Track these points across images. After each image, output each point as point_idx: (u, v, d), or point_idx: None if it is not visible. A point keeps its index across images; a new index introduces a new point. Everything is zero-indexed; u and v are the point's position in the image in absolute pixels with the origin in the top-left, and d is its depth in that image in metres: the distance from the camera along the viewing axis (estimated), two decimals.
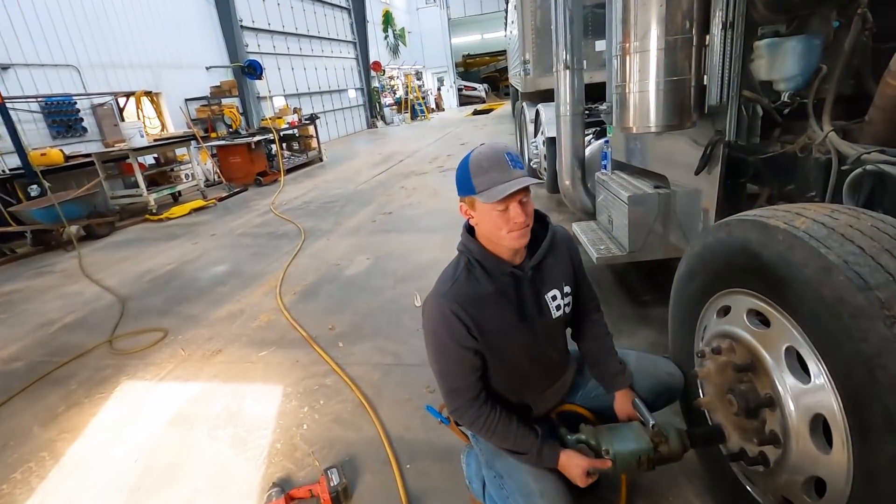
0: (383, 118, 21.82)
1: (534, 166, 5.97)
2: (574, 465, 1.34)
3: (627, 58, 2.22)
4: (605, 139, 3.66)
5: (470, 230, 1.42)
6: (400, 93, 23.94)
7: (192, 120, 10.60)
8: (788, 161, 2.06)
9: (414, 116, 22.78)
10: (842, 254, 1.03)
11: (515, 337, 1.41)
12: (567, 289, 1.49)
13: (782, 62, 1.91)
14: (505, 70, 22.93)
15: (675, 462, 1.40)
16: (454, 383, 1.38)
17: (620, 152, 3.38)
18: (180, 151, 9.11)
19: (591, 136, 4.40)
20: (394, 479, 1.94)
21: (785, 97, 1.96)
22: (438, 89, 28.46)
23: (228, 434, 2.38)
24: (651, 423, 1.35)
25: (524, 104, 6.75)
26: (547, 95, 5.13)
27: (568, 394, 1.63)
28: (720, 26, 1.93)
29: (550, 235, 1.45)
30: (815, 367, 1.10)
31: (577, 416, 1.65)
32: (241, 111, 11.92)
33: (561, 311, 1.47)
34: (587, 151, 3.97)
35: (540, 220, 1.48)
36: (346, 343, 3.12)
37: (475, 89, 29.31)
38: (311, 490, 1.87)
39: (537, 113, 5.68)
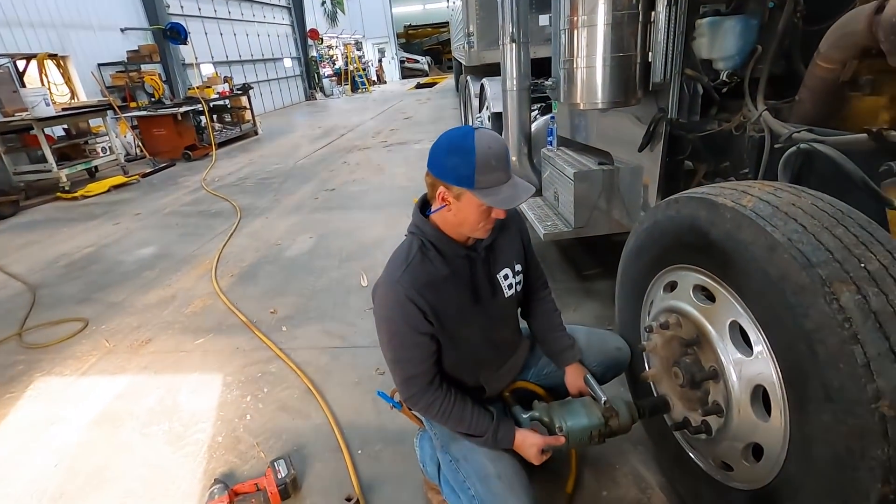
0: (322, 90, 20.92)
1: None
2: (529, 444, 1.34)
3: (575, 32, 2.20)
4: (551, 115, 3.67)
5: (423, 210, 1.36)
6: (339, 63, 22.99)
7: (108, 88, 9.63)
8: (724, 139, 2.13)
9: (355, 89, 22.01)
10: (786, 232, 1.06)
11: (471, 319, 1.37)
12: (518, 267, 1.47)
13: (722, 41, 1.95)
14: (448, 42, 22.54)
15: (624, 434, 1.44)
16: (410, 371, 1.33)
17: (566, 128, 3.40)
18: (95, 122, 8.27)
19: (536, 111, 4.40)
20: (345, 466, 1.89)
21: (723, 76, 2.01)
22: (380, 61, 27.58)
23: (163, 430, 2.22)
24: (603, 398, 1.38)
25: (468, 78, 6.65)
26: (492, 69, 5.06)
27: (520, 372, 1.63)
28: (665, 3, 1.94)
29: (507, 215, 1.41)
30: (757, 341, 1.14)
31: (530, 394, 1.66)
32: (164, 79, 10.98)
33: (513, 290, 1.46)
34: (533, 127, 3.97)
35: None
36: (289, 327, 2.99)
37: (418, 62, 28.65)
38: (256, 484, 1.78)
39: (482, 87, 5.61)
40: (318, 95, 20.49)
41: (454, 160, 1.21)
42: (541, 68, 3.80)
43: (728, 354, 1.21)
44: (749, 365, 1.16)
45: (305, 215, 5.19)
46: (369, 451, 1.97)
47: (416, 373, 1.33)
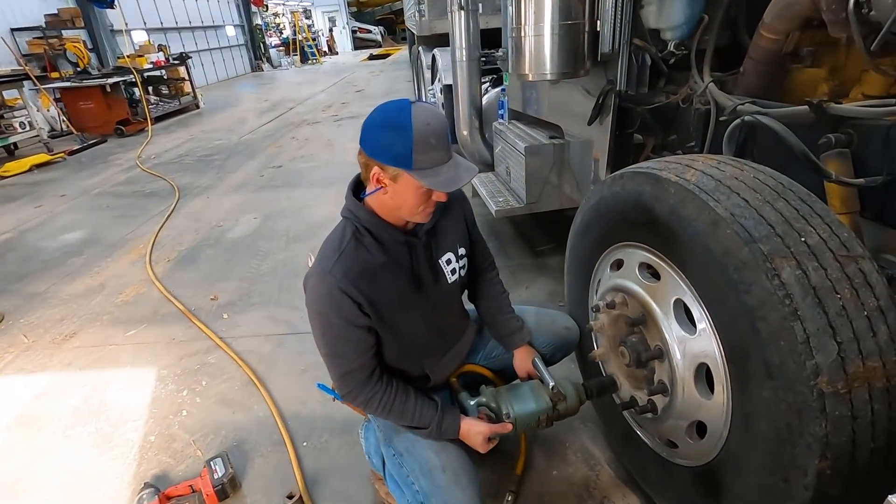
0: (269, 61, 19.91)
1: None
2: (475, 433, 1.29)
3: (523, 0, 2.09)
4: (502, 87, 3.57)
5: (356, 192, 1.25)
6: (287, 33, 21.88)
7: (24, 55, 8.75)
8: (672, 111, 2.10)
9: (304, 60, 21.06)
10: (729, 207, 1.02)
11: (411, 308, 1.29)
12: (462, 251, 1.40)
13: (669, 9, 1.89)
14: (401, 12, 21.82)
15: (573, 416, 1.42)
16: (347, 366, 1.25)
17: (517, 101, 3.31)
18: (10, 94, 7.51)
19: (487, 83, 4.29)
20: (289, 460, 1.79)
21: (671, 46, 1.97)
22: (330, 30, 26.46)
23: (89, 431, 2.05)
24: (550, 383, 1.34)
25: (420, 49, 6.43)
26: (443, 40, 4.88)
27: (468, 356, 1.58)
28: None
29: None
30: (700, 318, 1.11)
31: (479, 377, 1.61)
32: (89, 47, 10.08)
33: (457, 275, 1.38)
34: (484, 100, 3.86)
35: None
36: (231, 314, 2.83)
37: (370, 32, 27.67)
38: (191, 485, 1.67)
39: (434, 58, 5.43)
40: (265, 67, 19.49)
41: (389, 137, 1.10)
42: (493, 39, 3.68)
43: (672, 333, 1.19)
44: (693, 343, 1.14)
45: (250, 194, 4.92)
46: (315, 442, 1.88)
47: (353, 367, 1.24)
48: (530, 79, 2.20)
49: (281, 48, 20.92)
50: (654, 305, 1.24)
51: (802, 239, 0.95)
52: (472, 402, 1.39)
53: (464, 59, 3.32)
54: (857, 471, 0.90)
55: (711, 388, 1.13)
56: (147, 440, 1.97)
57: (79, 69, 8.84)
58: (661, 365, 1.23)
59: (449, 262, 1.36)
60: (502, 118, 3.53)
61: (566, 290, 1.81)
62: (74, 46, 8.95)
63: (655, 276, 1.27)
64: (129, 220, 4.46)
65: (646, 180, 1.23)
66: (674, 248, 1.15)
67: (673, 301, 1.19)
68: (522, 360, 1.52)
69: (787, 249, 0.94)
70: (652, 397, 1.27)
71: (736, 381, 1.04)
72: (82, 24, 10.23)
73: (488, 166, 3.74)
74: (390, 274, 1.24)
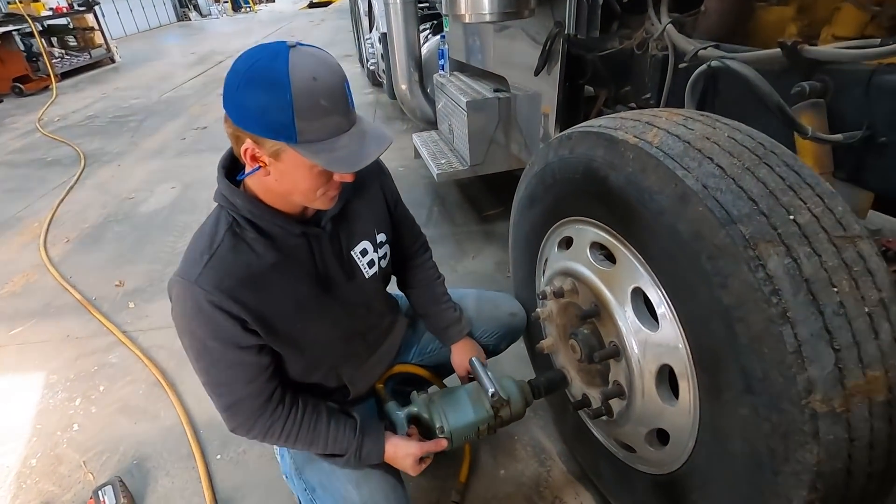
0: (198, 9, 18.10)
1: (371, 68, 5.33)
2: (403, 455, 1.08)
3: None
4: (442, 34, 3.21)
5: (231, 174, 0.95)
6: None
7: None
8: (626, 59, 1.86)
9: (237, 8, 19.31)
10: (701, 176, 0.80)
11: (318, 315, 1.03)
12: (381, 237, 1.13)
13: None
14: None
15: (518, 420, 1.23)
16: (231, 397, 0.98)
17: (459, 51, 2.98)
18: None
19: (427, 30, 3.90)
20: (198, 477, 1.54)
21: None
22: None
23: None
24: (490, 390, 1.13)
25: None
26: None
27: (398, 354, 1.34)
28: None
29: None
30: (664, 313, 0.92)
31: (413, 377, 1.40)
32: None
33: (376, 268, 1.12)
34: (424, 50, 3.49)
35: None
36: (139, 302, 2.47)
37: None
38: None
39: (370, 4, 4.93)
40: (193, 15, 17.72)
41: (259, 98, 0.78)
42: None
43: (629, 327, 0.99)
44: (654, 340, 0.95)
45: (169, 160, 4.39)
46: (230, 455, 1.63)
47: (241, 396, 0.98)
48: (467, 20, 1.89)
49: None
50: (608, 294, 1.04)
51: (791, 217, 0.75)
52: (401, 414, 1.17)
53: (398, 0, 2.93)
54: (849, 499, 0.74)
55: (677, 393, 0.95)
56: (27, 465, 1.66)
57: None
58: (618, 364, 1.04)
59: (365, 252, 1.09)
60: (443, 69, 3.19)
61: (511, 268, 1.59)
62: None
63: (610, 258, 1.06)
64: (24, 193, 3.88)
65: (598, 142, 0.99)
66: (632, 227, 0.94)
67: (631, 290, 0.99)
68: (461, 356, 1.31)
69: (774, 232, 0.74)
70: (606, 400, 1.08)
71: (706, 391, 0.86)
72: None
73: (431, 124, 3.43)
74: (285, 277, 0.96)
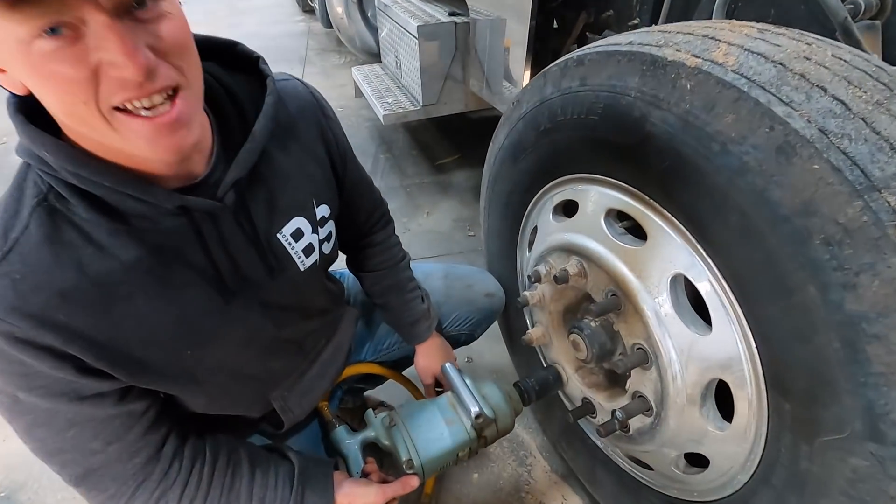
0: None
1: None
2: None
3: None
4: None
5: (26, 106, 0.53)
6: None
7: None
8: None
9: None
10: (813, 115, 0.52)
11: (219, 335, 0.68)
12: (324, 209, 0.77)
13: None
14: None
15: (506, 435, 0.97)
16: (85, 463, 0.63)
17: None
18: None
19: None
20: None
21: None
22: None
23: None
24: (474, 410, 0.85)
25: None
26: None
27: (347, 358, 1.03)
28: None
29: (272, 106, 0.66)
30: (722, 312, 0.66)
31: (368, 377, 1.11)
32: None
33: (315, 255, 0.77)
34: None
35: (231, 63, 0.68)
36: None
37: None
38: None
39: None
40: None
41: None
42: None
43: (666, 328, 0.73)
44: (703, 349, 0.70)
45: None
46: None
47: (101, 462, 0.64)
48: None
49: None
50: (633, 280, 0.76)
51: None
52: (353, 444, 0.88)
53: None
54: None
55: (726, 413, 0.71)
56: None
57: None
58: (644, 373, 0.79)
59: (299, 235, 0.73)
60: None
61: (484, 236, 1.29)
62: None
63: (636, 232, 0.78)
64: None
65: (630, 67, 0.68)
66: (682, 192, 0.65)
67: (670, 277, 0.72)
68: (429, 360, 1.02)
69: None
70: (627, 419, 0.84)
71: (787, 424, 0.62)
72: None
73: (373, 56, 2.96)
74: (155, 284, 0.60)
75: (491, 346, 1.58)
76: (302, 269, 0.75)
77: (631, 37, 0.72)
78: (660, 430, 0.79)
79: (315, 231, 0.76)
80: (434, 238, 2.18)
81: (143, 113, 0.48)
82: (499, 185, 1.11)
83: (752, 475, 0.70)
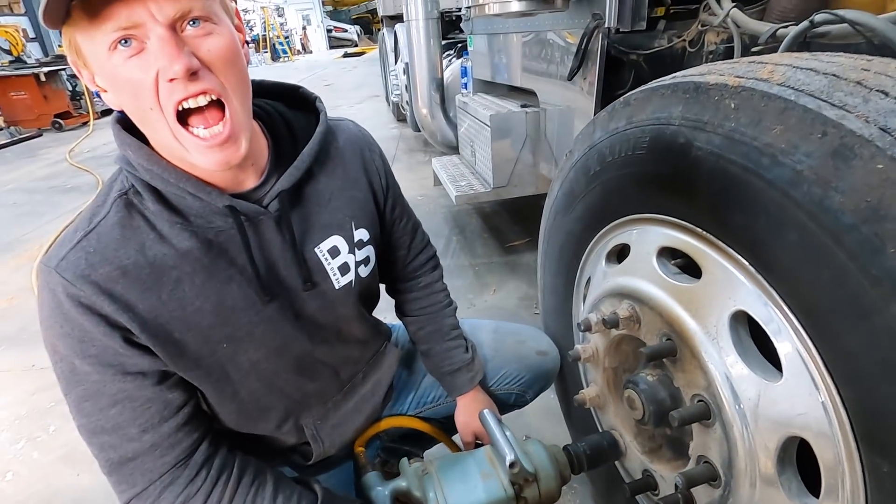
0: None
1: (395, 100, 5.22)
2: None
3: None
4: (466, 52, 3.02)
5: (125, 120, 0.65)
6: (257, 30, 21.11)
7: None
8: (676, 59, 1.58)
9: (276, 57, 20.33)
10: (872, 116, 0.48)
11: (255, 333, 0.71)
12: (362, 233, 0.82)
13: None
14: (377, 12, 21.22)
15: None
16: (122, 449, 0.66)
17: (483, 67, 2.77)
18: None
19: (451, 55, 3.75)
20: None
21: None
22: (304, 28, 25.76)
23: None
24: (509, 458, 0.78)
25: (384, 30, 5.87)
26: None
27: (389, 402, 1.00)
28: None
29: (322, 134, 0.75)
30: (793, 354, 0.57)
31: (412, 434, 1.05)
32: (31, 36, 9.24)
33: (351, 275, 0.80)
34: (448, 73, 3.32)
35: (295, 102, 0.79)
36: None
37: (346, 31, 27.00)
38: None
39: (396, 37, 4.88)
40: None
41: None
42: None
43: (728, 374, 0.64)
44: (774, 398, 0.59)
45: None
46: None
47: (136, 451, 0.66)
48: (489, 12, 1.65)
49: (251, 45, 20.12)
50: (689, 321, 0.69)
51: None
52: (383, 491, 0.82)
53: (420, 16, 2.76)
54: None
55: (813, 487, 0.58)
56: None
57: (12, 57, 8.02)
58: (707, 432, 0.68)
59: (336, 252, 0.78)
60: (465, 88, 2.98)
61: (540, 295, 1.26)
62: (6, 32, 8.13)
63: (691, 269, 0.72)
64: (34, 217, 3.78)
65: (673, 98, 0.68)
66: (733, 218, 0.61)
67: (730, 316, 0.64)
68: (469, 413, 0.97)
69: None
70: (688, 488, 0.71)
71: (885, 488, 0.49)
72: (22, 11, 9.41)
73: (453, 150, 3.19)
74: (202, 273, 0.66)
75: (553, 426, 1.46)
76: (337, 286, 0.78)
77: (676, 74, 0.73)
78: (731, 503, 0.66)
79: (352, 251, 0.79)
80: (499, 314, 2.14)
81: (201, 133, 0.58)
82: (553, 239, 1.09)
83: None
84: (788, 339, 0.57)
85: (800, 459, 0.61)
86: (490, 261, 2.59)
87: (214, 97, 0.58)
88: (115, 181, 0.66)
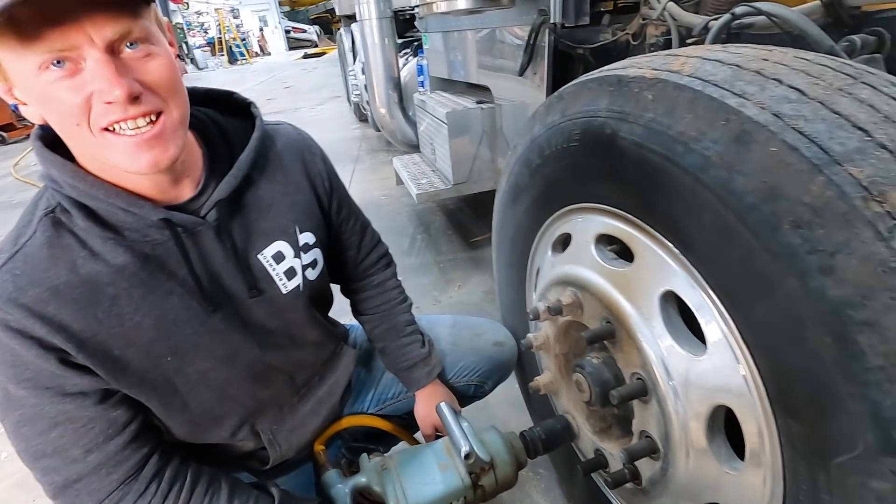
0: (194, 62, 18.57)
1: (355, 100, 5.19)
2: None
3: None
4: (421, 50, 3.04)
5: (47, 136, 0.64)
6: (212, 32, 20.57)
7: None
8: (620, 52, 1.63)
9: (233, 60, 19.86)
10: (768, 102, 0.52)
11: (200, 345, 0.71)
12: (307, 237, 0.82)
13: None
14: (335, 12, 20.91)
15: (508, 489, 0.89)
16: (66, 471, 0.65)
17: (439, 65, 2.79)
18: None
19: (407, 53, 3.75)
20: None
21: None
22: (261, 30, 25.22)
23: None
24: (464, 449, 0.80)
25: (342, 30, 5.82)
26: None
27: (348, 401, 1.01)
28: None
29: (258, 140, 0.75)
30: (715, 327, 0.61)
31: (375, 433, 1.06)
32: None
33: (298, 279, 0.80)
34: (405, 72, 3.32)
35: (229, 109, 0.78)
36: None
37: (305, 31, 26.55)
38: None
39: (353, 37, 4.85)
40: (190, 68, 18.14)
41: None
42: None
43: (661, 352, 0.68)
44: (701, 370, 0.63)
45: None
46: None
47: (80, 472, 0.65)
48: (439, 9, 1.67)
49: (206, 48, 19.59)
50: (624, 304, 0.72)
51: None
52: (343, 489, 0.83)
53: (373, 15, 2.75)
54: None
55: (740, 451, 0.62)
56: None
57: None
58: (646, 407, 0.72)
59: (280, 257, 0.78)
60: (422, 86, 2.99)
61: (497, 288, 1.28)
62: None
63: (625, 255, 0.76)
64: None
65: (600, 90, 0.71)
66: (657, 203, 0.64)
67: (659, 296, 0.68)
68: (428, 406, 0.98)
69: None
70: (632, 462, 0.75)
71: (797, 450, 0.53)
72: None
73: (414, 148, 3.20)
74: (140, 288, 0.65)
75: (518, 415, 1.49)
76: (284, 291, 0.78)
77: (603, 68, 0.76)
78: (671, 477, 0.70)
79: (297, 256, 0.79)
80: (463, 310, 2.16)
81: (128, 133, 0.57)
82: (504, 232, 1.12)
83: None
84: (711, 315, 0.61)
85: (729, 428, 0.65)
86: (455, 257, 2.61)
87: (154, 117, 0.57)
88: (40, 199, 0.65)
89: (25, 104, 0.58)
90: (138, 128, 0.56)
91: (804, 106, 0.50)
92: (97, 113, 0.54)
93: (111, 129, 0.56)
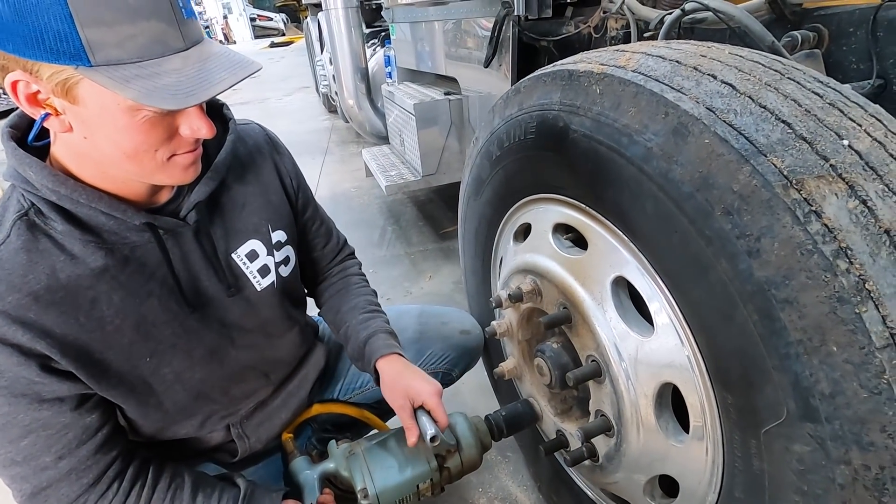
0: None
1: (324, 91, 5.12)
2: None
3: None
4: (388, 40, 3.02)
5: (20, 135, 0.63)
6: None
7: None
8: (583, 44, 1.66)
9: None
10: (702, 97, 0.55)
11: (178, 345, 0.71)
12: (279, 235, 0.83)
13: None
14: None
15: (473, 471, 0.92)
16: (38, 479, 0.65)
17: (407, 55, 2.78)
18: None
19: (376, 44, 3.71)
20: None
21: None
22: (225, 18, 24.45)
23: None
24: (429, 432, 0.82)
25: (308, 19, 5.71)
26: None
27: (317, 390, 1.02)
28: None
29: (233, 143, 0.75)
30: (660, 309, 0.64)
31: (347, 422, 1.07)
32: None
33: (272, 276, 0.81)
34: (373, 63, 3.30)
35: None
36: None
37: (271, 19, 25.86)
38: None
39: (320, 26, 4.76)
40: None
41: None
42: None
43: (612, 334, 0.71)
44: (649, 351, 0.67)
45: None
46: None
47: (52, 479, 0.65)
48: (404, 0, 1.67)
49: None
50: (579, 290, 0.76)
51: (845, 142, 0.49)
52: (311, 475, 0.84)
53: (337, 5, 2.72)
54: None
55: (685, 425, 0.67)
56: None
57: None
58: (600, 387, 0.75)
59: (254, 255, 0.78)
60: (390, 77, 2.98)
61: (464, 278, 1.31)
62: None
63: (580, 243, 0.79)
64: None
65: (553, 84, 0.74)
66: (606, 192, 0.67)
67: (611, 282, 0.71)
68: (392, 375, 0.98)
69: (826, 163, 0.48)
70: (588, 440, 0.79)
71: (733, 420, 0.58)
72: None
73: (384, 139, 3.19)
74: (120, 290, 0.65)
75: (487, 402, 1.52)
76: (258, 288, 0.78)
77: (557, 63, 0.79)
78: (624, 453, 0.74)
79: (270, 253, 0.80)
80: (434, 300, 2.19)
81: (188, 156, 0.63)
82: (469, 223, 1.14)
83: (720, 493, 0.63)
84: (657, 297, 0.65)
85: (675, 404, 0.69)
86: (425, 248, 2.63)
87: None
88: (8, 200, 0.63)
89: (61, 113, 0.55)
90: (193, 150, 0.63)
91: (735, 100, 0.53)
92: (177, 144, 0.61)
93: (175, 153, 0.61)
